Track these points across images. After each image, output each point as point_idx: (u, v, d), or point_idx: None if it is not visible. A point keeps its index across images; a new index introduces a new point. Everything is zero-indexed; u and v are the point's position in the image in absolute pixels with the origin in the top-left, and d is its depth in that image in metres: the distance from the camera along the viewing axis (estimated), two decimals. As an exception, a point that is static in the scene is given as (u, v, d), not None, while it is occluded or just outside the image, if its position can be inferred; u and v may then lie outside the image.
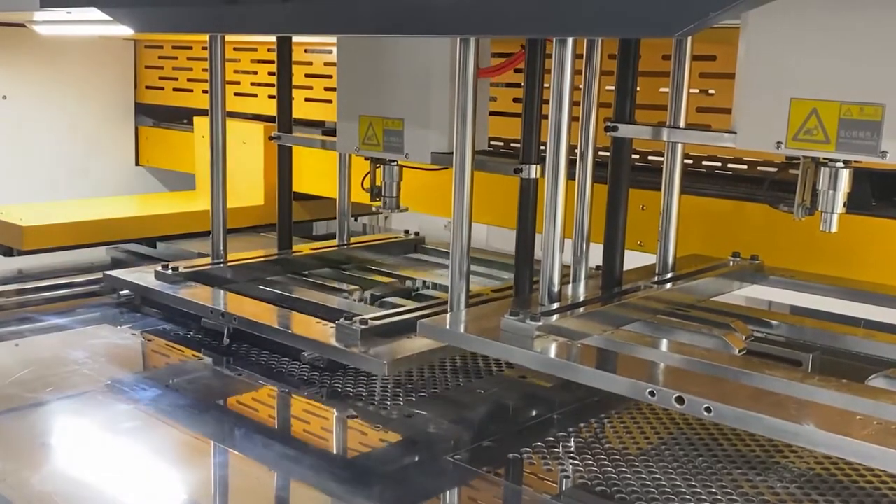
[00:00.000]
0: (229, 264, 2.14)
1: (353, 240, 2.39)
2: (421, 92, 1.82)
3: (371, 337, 1.62)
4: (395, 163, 2.03)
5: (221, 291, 1.98)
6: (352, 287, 2.13)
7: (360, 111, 1.93)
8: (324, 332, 1.69)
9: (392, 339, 1.63)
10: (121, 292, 2.14)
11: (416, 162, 1.90)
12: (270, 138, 2.28)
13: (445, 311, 1.70)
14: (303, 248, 2.35)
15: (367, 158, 2.04)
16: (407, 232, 2.52)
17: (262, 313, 1.84)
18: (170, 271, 2.01)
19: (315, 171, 2.85)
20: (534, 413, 1.63)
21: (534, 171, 1.70)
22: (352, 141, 1.96)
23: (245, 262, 2.17)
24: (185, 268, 2.04)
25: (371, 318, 1.66)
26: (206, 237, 2.24)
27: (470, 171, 1.65)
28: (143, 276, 2.05)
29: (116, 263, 2.70)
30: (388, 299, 2.00)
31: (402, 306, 1.86)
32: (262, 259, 2.21)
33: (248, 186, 3.07)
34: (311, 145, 2.31)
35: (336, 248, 2.34)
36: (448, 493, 1.37)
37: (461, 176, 1.65)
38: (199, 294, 1.93)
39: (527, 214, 1.74)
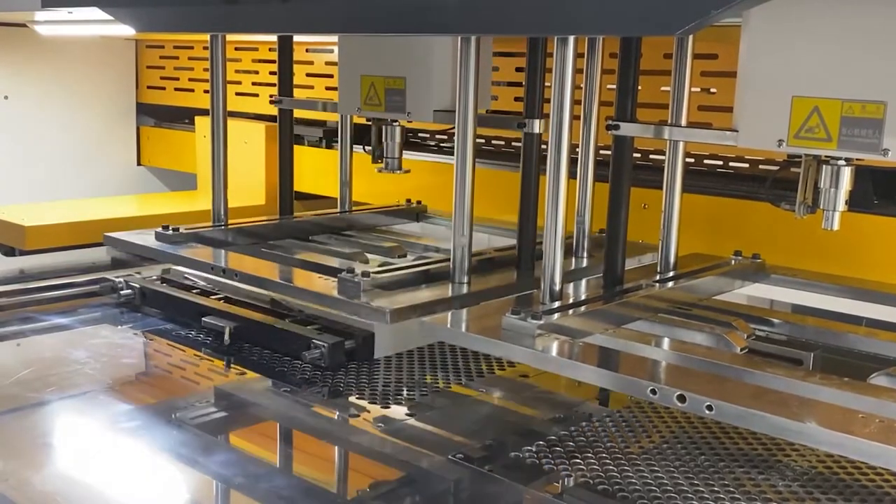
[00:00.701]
0: (230, 227, 2.13)
1: (355, 208, 2.39)
2: (423, 50, 1.81)
3: (373, 289, 1.62)
4: (398, 123, 2.02)
5: (222, 251, 1.98)
6: (353, 251, 2.12)
7: (362, 71, 1.92)
8: (326, 285, 1.69)
9: (394, 292, 1.63)
10: (121, 292, 2.13)
11: (418, 120, 1.89)
12: (271, 102, 2.28)
13: (448, 268, 1.72)
14: (304, 213, 2.35)
15: (368, 119, 2.03)
16: (409, 201, 2.51)
17: (263, 269, 1.83)
18: (170, 232, 2.01)
19: (315, 171, 2.85)
20: (536, 411, 1.62)
21: (537, 125, 1.70)
22: (353, 101, 1.95)
23: (246, 226, 2.16)
24: (186, 229, 2.04)
25: (374, 272, 1.66)
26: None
27: (472, 128, 1.64)
28: (144, 238, 2.05)
29: (117, 263, 2.69)
30: (391, 261, 1.99)
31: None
32: (263, 222, 2.21)
33: (250, 186, 3.07)
34: (311, 108, 2.30)
35: (338, 214, 2.34)
36: (450, 492, 1.37)
37: (464, 134, 1.64)
38: (199, 253, 1.93)
39: (530, 171, 1.74)
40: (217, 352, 1.87)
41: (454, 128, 1.69)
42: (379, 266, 1.91)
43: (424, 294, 1.62)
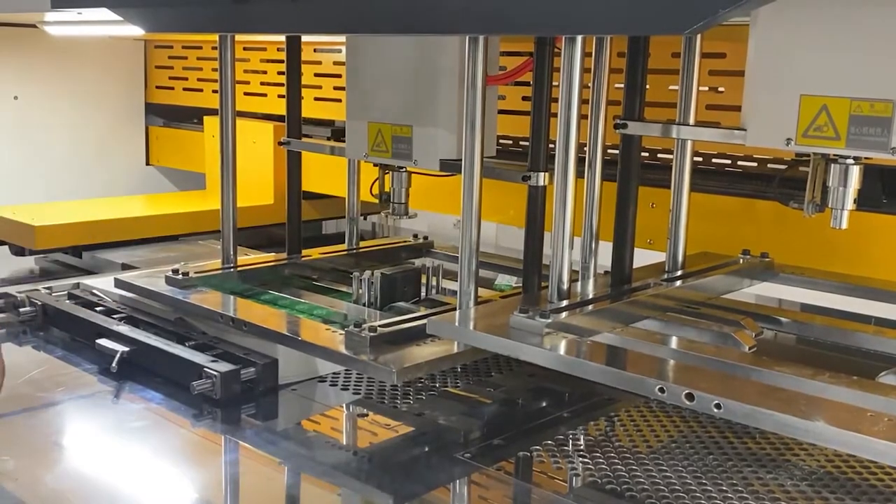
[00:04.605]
0: (239, 269, 2.14)
1: (362, 244, 2.39)
2: (429, 98, 1.82)
3: (380, 344, 1.61)
4: (404, 169, 2.03)
5: (231, 297, 1.97)
6: (360, 292, 2.12)
7: (369, 118, 1.93)
8: (332, 339, 1.67)
9: (401, 347, 1.62)
10: (21, 310, 2.02)
11: (424, 168, 1.90)
12: (280, 143, 2.29)
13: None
14: (312, 252, 2.35)
15: (375, 165, 2.04)
16: (416, 236, 2.52)
17: (271, 319, 1.82)
18: (180, 276, 2.01)
19: (324, 171, 2.85)
20: (544, 411, 1.63)
21: (542, 178, 1.70)
22: (361, 147, 1.97)
23: (254, 267, 2.16)
24: (196, 273, 2.04)
25: (380, 326, 1.66)
26: (216, 235, 2.24)
27: (479, 178, 1.65)
28: (154, 281, 2.04)
29: (44, 274, 2.68)
30: (398, 304, 1.99)
31: (411, 312, 1.85)
32: (271, 264, 2.21)
33: (258, 186, 3.08)
34: (320, 151, 2.31)
35: (345, 253, 2.35)
36: (459, 490, 1.37)
37: (470, 183, 1.65)
38: (208, 299, 1.93)
39: (535, 222, 1.74)
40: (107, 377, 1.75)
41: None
42: (386, 311, 1.91)
43: (431, 349, 1.60)
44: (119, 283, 2.08)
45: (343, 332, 1.66)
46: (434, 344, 1.62)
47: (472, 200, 1.66)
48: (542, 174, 1.70)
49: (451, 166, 1.81)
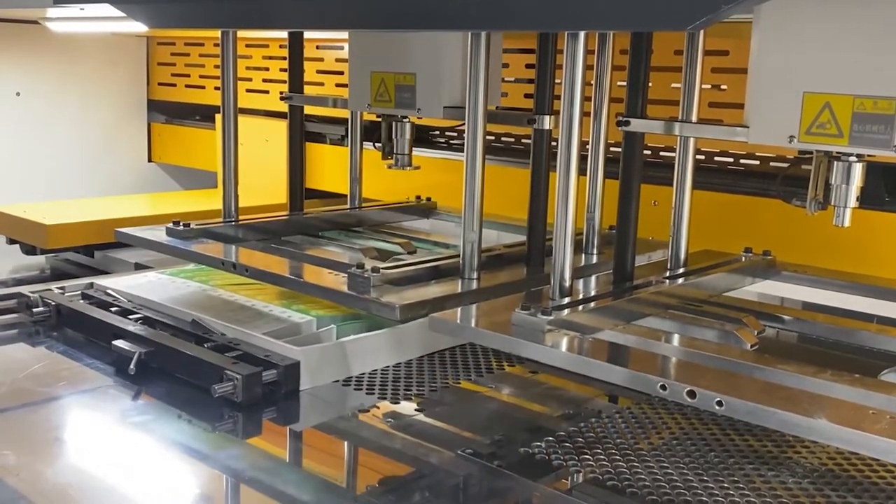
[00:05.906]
0: (241, 223, 2.13)
1: (365, 204, 2.38)
2: (433, 46, 1.81)
3: (383, 285, 1.62)
4: (408, 119, 2.02)
5: (233, 246, 1.97)
6: (363, 247, 2.12)
7: (372, 67, 1.92)
8: (336, 280, 1.67)
9: (404, 287, 1.63)
10: (34, 310, 1.98)
11: (428, 117, 1.89)
12: (282, 98, 2.28)
13: (458, 265, 1.71)
14: (314, 209, 2.35)
15: (379, 116, 2.03)
16: (419, 197, 2.51)
17: (273, 264, 1.81)
18: (181, 227, 2.01)
19: (338, 169, 2.86)
20: (545, 407, 1.63)
21: (547, 121, 1.70)
22: (363, 98, 1.96)
23: (256, 222, 2.16)
24: (197, 225, 2.03)
25: (383, 267, 1.65)
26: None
27: (483, 124, 1.64)
28: (155, 233, 2.04)
29: (56, 273, 2.69)
30: (401, 257, 1.98)
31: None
32: (273, 219, 2.21)
33: (271, 184, 3.07)
34: (322, 104, 2.31)
35: (348, 211, 2.34)
36: (459, 487, 1.37)
37: (474, 130, 1.64)
38: (210, 248, 1.92)
39: (540, 166, 1.74)
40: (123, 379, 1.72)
41: (464, 124, 1.69)
42: (389, 262, 1.91)
43: (434, 290, 1.62)
44: (120, 235, 2.08)
45: (346, 275, 1.65)
46: (437, 285, 1.62)
47: (475, 149, 1.65)
48: (546, 117, 1.70)
49: (455, 114, 1.80)
